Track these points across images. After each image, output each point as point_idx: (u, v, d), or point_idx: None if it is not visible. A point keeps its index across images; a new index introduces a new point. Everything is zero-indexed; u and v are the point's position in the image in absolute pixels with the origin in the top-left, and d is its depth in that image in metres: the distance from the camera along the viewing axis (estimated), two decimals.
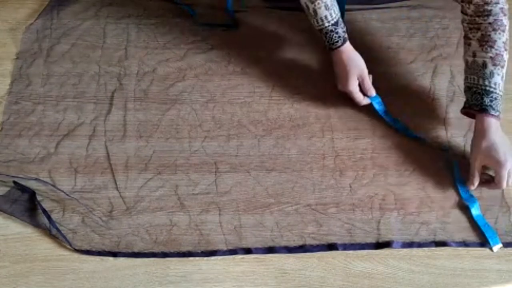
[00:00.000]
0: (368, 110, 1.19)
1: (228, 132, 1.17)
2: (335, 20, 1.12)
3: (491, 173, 1.11)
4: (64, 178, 1.10)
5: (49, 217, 1.04)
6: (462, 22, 1.11)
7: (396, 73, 1.25)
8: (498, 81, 1.07)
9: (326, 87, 1.23)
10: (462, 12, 1.11)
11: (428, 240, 1.06)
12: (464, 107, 1.12)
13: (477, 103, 1.08)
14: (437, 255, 1.04)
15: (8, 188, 1.08)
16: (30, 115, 1.17)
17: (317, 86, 1.24)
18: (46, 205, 1.06)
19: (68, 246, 1.02)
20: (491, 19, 1.06)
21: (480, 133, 1.07)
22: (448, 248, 1.05)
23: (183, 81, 1.23)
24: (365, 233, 1.06)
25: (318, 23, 1.13)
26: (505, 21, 1.07)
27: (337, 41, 1.14)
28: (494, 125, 1.06)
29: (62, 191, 1.07)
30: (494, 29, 1.06)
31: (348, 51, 1.16)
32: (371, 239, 1.05)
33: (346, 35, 1.15)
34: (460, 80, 1.23)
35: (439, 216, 1.08)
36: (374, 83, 1.17)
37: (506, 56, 1.08)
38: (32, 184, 1.08)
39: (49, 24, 1.31)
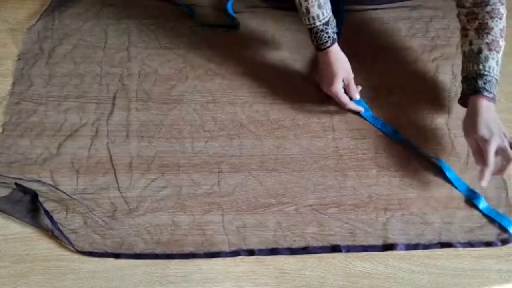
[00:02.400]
0: None
1: (230, 132, 1.17)
2: (326, 19, 1.12)
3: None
4: (66, 179, 1.10)
5: (51, 218, 1.04)
6: (459, 15, 1.12)
7: (397, 73, 1.25)
8: (492, 65, 1.08)
9: None
10: (458, 5, 1.12)
11: (433, 241, 1.06)
12: (460, 97, 1.13)
13: (470, 87, 1.08)
14: (437, 255, 1.04)
15: (10, 189, 1.08)
16: (32, 116, 1.17)
17: (318, 86, 1.23)
18: (48, 206, 1.06)
19: (69, 247, 1.02)
20: (488, 8, 1.08)
21: (471, 112, 1.07)
22: (448, 248, 1.05)
23: (184, 81, 1.24)
24: (367, 234, 1.06)
25: (309, 21, 1.12)
26: (502, 9, 1.09)
27: (326, 41, 1.13)
28: (485, 105, 1.06)
29: (64, 192, 1.07)
30: (491, 17, 1.08)
31: (336, 52, 1.15)
32: (373, 240, 1.06)
33: (335, 36, 1.15)
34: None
35: (442, 216, 1.08)
36: (373, 84, 1.17)
37: (502, 43, 1.09)
38: (33, 185, 1.08)
39: (50, 25, 1.31)
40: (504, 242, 1.06)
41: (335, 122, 1.19)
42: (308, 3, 1.10)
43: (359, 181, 1.12)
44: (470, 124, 1.06)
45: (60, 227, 1.04)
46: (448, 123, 1.19)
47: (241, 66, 1.27)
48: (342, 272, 1.02)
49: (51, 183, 1.09)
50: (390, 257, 1.04)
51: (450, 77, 1.25)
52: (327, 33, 1.12)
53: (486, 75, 1.07)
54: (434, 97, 1.23)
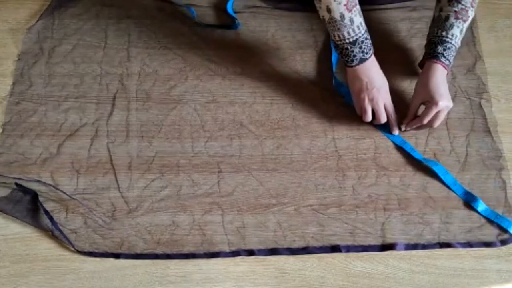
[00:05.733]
0: None
1: (230, 132, 1.17)
2: (365, 27, 1.10)
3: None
4: (66, 179, 1.10)
5: (51, 219, 1.04)
6: None
7: (397, 73, 1.25)
8: (456, 33, 1.12)
9: (327, 87, 1.24)
10: None
11: (432, 241, 1.06)
12: (420, 61, 1.18)
13: (430, 51, 1.13)
14: (437, 255, 1.05)
15: (10, 189, 1.08)
16: (32, 116, 1.17)
17: (318, 86, 1.24)
18: (48, 206, 1.06)
19: (69, 247, 1.03)
20: None
21: (424, 75, 1.13)
22: (448, 248, 1.05)
23: (184, 81, 1.24)
24: (367, 234, 1.06)
25: (354, 32, 1.07)
26: None
27: (370, 49, 1.11)
28: (440, 71, 1.11)
29: (64, 192, 1.07)
30: None
31: (374, 60, 1.13)
32: (373, 241, 1.06)
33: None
34: (461, 81, 1.24)
35: (442, 217, 1.08)
36: None
37: (471, 13, 1.12)
38: (33, 185, 1.08)
39: (50, 25, 1.31)
40: (504, 242, 1.06)
41: (335, 122, 1.19)
42: (351, 13, 1.04)
43: (359, 181, 1.12)
44: (422, 85, 1.12)
45: (60, 227, 1.04)
46: (448, 123, 1.19)
47: (241, 66, 1.27)
48: (342, 272, 1.03)
49: (51, 183, 1.09)
50: (390, 257, 1.04)
51: (449, 77, 1.25)
52: (369, 40, 1.10)
53: (448, 41, 1.12)
54: None
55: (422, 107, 1.13)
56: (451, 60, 1.13)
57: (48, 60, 1.25)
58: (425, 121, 1.11)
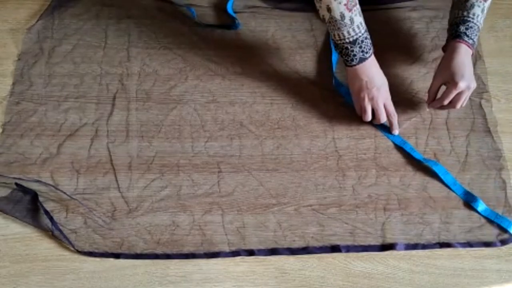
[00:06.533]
0: None
1: (230, 132, 1.17)
2: (365, 26, 1.10)
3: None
4: (66, 179, 1.10)
5: (51, 219, 1.04)
6: None
7: (397, 74, 1.25)
8: (477, 12, 1.11)
9: (327, 87, 1.24)
10: None
11: (432, 241, 1.06)
12: (444, 45, 1.16)
13: (452, 32, 1.12)
14: (437, 255, 1.05)
15: (10, 189, 1.08)
16: (32, 116, 1.17)
17: (318, 86, 1.24)
18: (48, 206, 1.06)
19: (69, 247, 1.02)
20: None
21: (447, 56, 1.12)
22: (448, 248, 1.05)
23: (184, 81, 1.24)
24: (367, 234, 1.06)
25: (354, 32, 1.07)
26: None
27: (370, 48, 1.11)
28: (464, 50, 1.09)
29: (64, 192, 1.07)
30: None
31: (374, 59, 1.13)
32: (373, 241, 1.06)
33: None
34: None
35: (442, 216, 1.08)
36: None
37: None
38: (33, 185, 1.08)
39: (50, 25, 1.31)
40: (504, 242, 1.06)
41: (335, 122, 1.19)
42: (352, 12, 1.04)
43: (359, 181, 1.12)
44: (445, 64, 1.11)
45: (60, 227, 1.04)
46: (448, 123, 1.19)
47: (241, 66, 1.27)
48: (342, 272, 1.03)
49: (51, 183, 1.09)
50: (390, 257, 1.04)
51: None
52: (369, 39, 1.10)
53: (469, 21, 1.10)
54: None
55: (443, 88, 1.13)
56: (475, 40, 1.11)
57: (48, 60, 1.25)
58: (445, 102, 1.11)
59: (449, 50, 1.12)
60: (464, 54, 1.09)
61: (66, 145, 1.14)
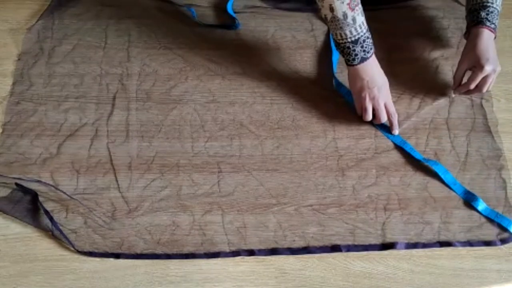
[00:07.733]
0: None
1: (230, 132, 1.17)
2: (366, 26, 1.10)
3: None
4: (66, 179, 1.10)
5: (51, 219, 1.04)
6: None
7: (396, 74, 1.25)
8: None
9: (327, 87, 1.24)
10: None
11: (432, 240, 1.06)
12: (465, 32, 1.18)
13: (473, 19, 1.14)
14: (437, 255, 1.04)
15: (10, 189, 1.08)
16: (32, 116, 1.17)
17: (318, 86, 1.24)
18: (48, 206, 1.06)
19: (69, 247, 1.02)
20: None
21: (471, 42, 1.14)
22: (448, 248, 1.05)
23: (184, 81, 1.24)
24: (368, 234, 1.06)
25: (356, 31, 1.07)
26: None
27: (371, 48, 1.11)
28: (487, 35, 1.12)
29: (64, 192, 1.07)
30: None
31: (375, 59, 1.13)
32: (374, 240, 1.06)
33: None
34: None
35: (442, 216, 1.08)
36: None
37: None
38: (33, 185, 1.08)
39: (50, 25, 1.31)
40: (504, 241, 1.06)
41: (335, 122, 1.19)
42: (354, 12, 1.04)
43: (359, 181, 1.12)
44: (469, 50, 1.13)
45: (60, 227, 1.03)
46: (448, 122, 1.19)
47: (241, 66, 1.27)
48: (342, 272, 1.02)
49: (51, 183, 1.09)
50: (390, 257, 1.04)
51: (450, 77, 1.25)
52: (371, 39, 1.10)
53: (489, 6, 1.12)
54: (434, 97, 1.23)
55: (469, 73, 1.14)
56: (496, 24, 1.13)
57: (48, 60, 1.25)
58: (472, 86, 1.12)
59: (472, 36, 1.14)
60: (487, 39, 1.12)
61: (66, 145, 1.14)
